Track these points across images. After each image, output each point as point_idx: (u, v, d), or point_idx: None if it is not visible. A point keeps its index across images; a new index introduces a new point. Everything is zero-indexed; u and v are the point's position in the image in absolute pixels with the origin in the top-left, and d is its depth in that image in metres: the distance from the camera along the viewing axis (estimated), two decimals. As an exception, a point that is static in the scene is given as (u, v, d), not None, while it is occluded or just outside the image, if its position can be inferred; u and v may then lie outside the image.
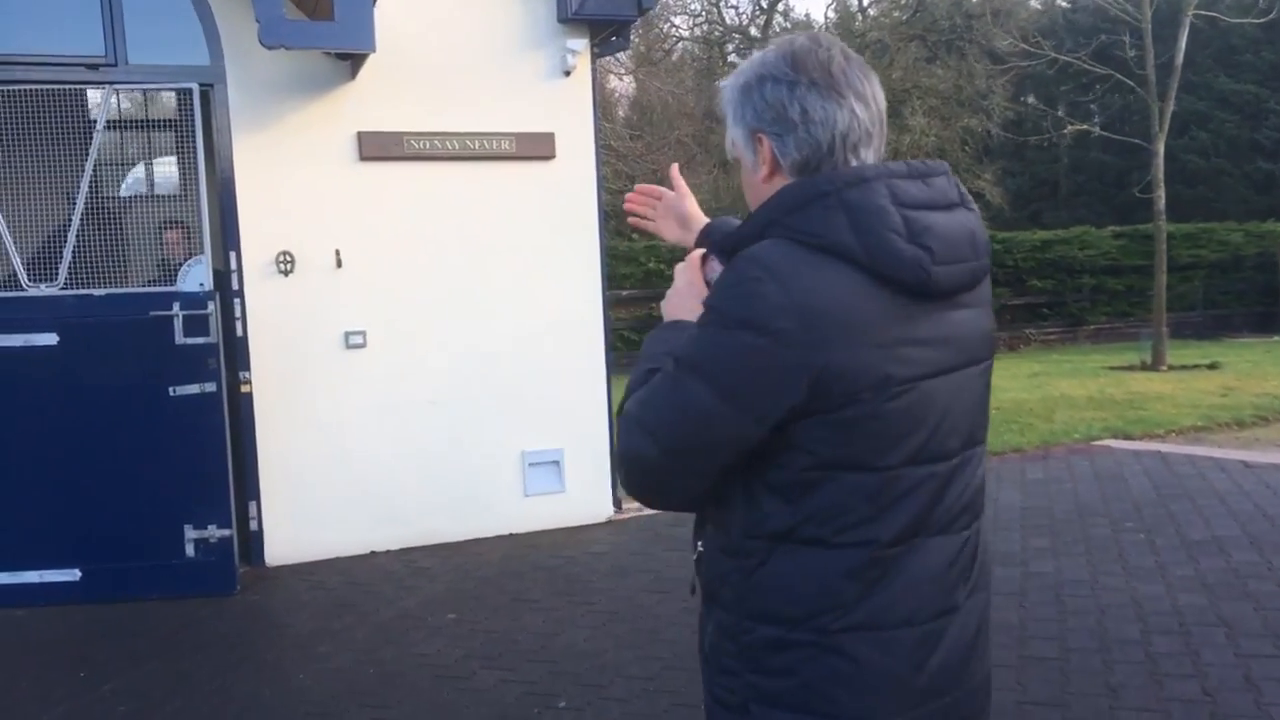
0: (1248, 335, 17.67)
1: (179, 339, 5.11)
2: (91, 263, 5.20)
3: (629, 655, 4.33)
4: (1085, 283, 18.41)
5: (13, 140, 5.15)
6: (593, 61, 6.36)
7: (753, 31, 26.08)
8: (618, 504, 6.66)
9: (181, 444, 5.17)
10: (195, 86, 5.21)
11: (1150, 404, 10.55)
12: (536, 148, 6.19)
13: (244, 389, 5.77)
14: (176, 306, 5.13)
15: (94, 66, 5.50)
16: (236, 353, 5.74)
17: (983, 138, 24.80)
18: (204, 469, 5.19)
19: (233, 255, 5.71)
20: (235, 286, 5.71)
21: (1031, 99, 27.16)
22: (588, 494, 6.50)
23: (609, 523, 6.53)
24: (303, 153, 5.81)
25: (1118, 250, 18.66)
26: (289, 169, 5.79)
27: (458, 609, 5.05)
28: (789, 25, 26.82)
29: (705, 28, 26.52)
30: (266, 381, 5.81)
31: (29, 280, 5.18)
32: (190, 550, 5.15)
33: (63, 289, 5.19)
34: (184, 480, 5.18)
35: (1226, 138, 24.24)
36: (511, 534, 6.34)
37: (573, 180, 6.32)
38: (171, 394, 5.12)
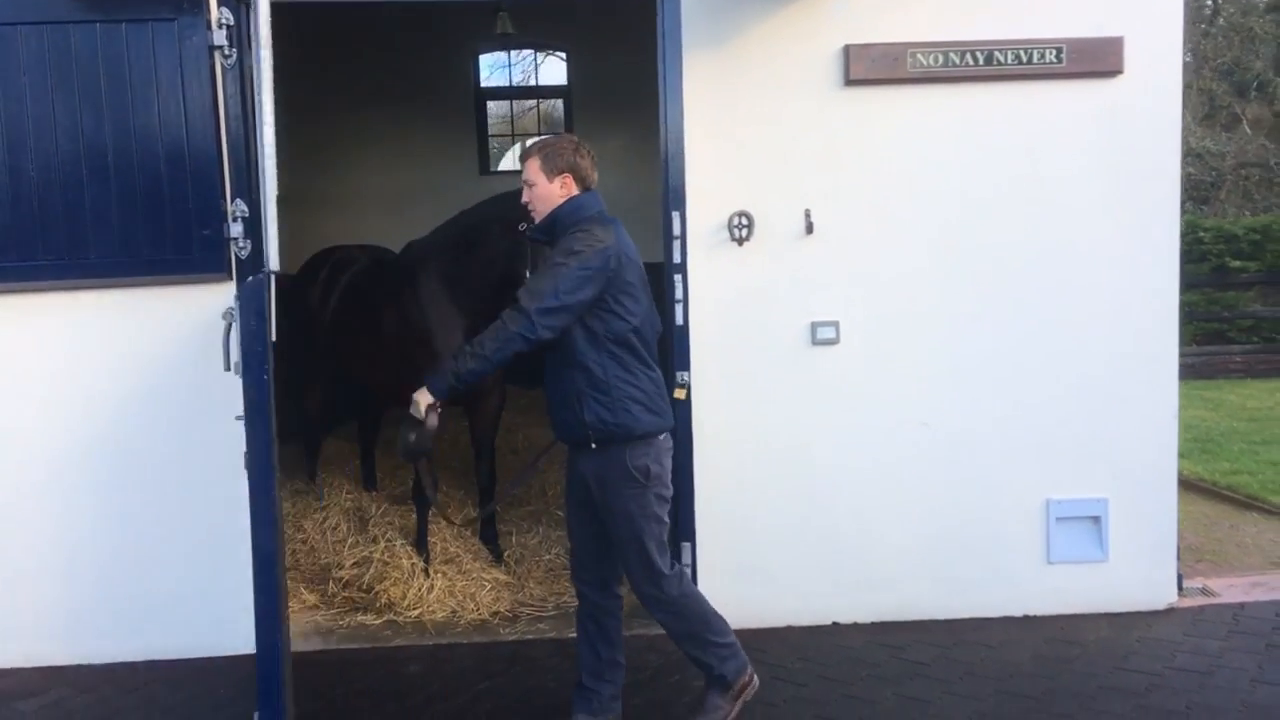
0: None
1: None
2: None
3: None
4: None
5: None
6: (1182, -69, 4.31)
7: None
8: (1178, 583, 4.59)
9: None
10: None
11: None
12: (1095, 60, 4.25)
13: (679, 395, 4.32)
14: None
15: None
16: (674, 347, 4.31)
17: None
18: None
19: (676, 217, 4.26)
20: (677, 259, 4.27)
21: None
22: (1140, 567, 4.48)
23: (1170, 611, 4.47)
24: (769, 77, 4.25)
25: None
26: (750, 100, 4.26)
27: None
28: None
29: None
30: (708, 386, 4.33)
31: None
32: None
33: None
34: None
35: None
36: (1026, 616, 4.46)
37: (1144, 109, 4.31)
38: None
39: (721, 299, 4.29)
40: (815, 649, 4.19)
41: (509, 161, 10.08)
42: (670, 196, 4.27)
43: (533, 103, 10.42)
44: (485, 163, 9.76)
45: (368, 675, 4.05)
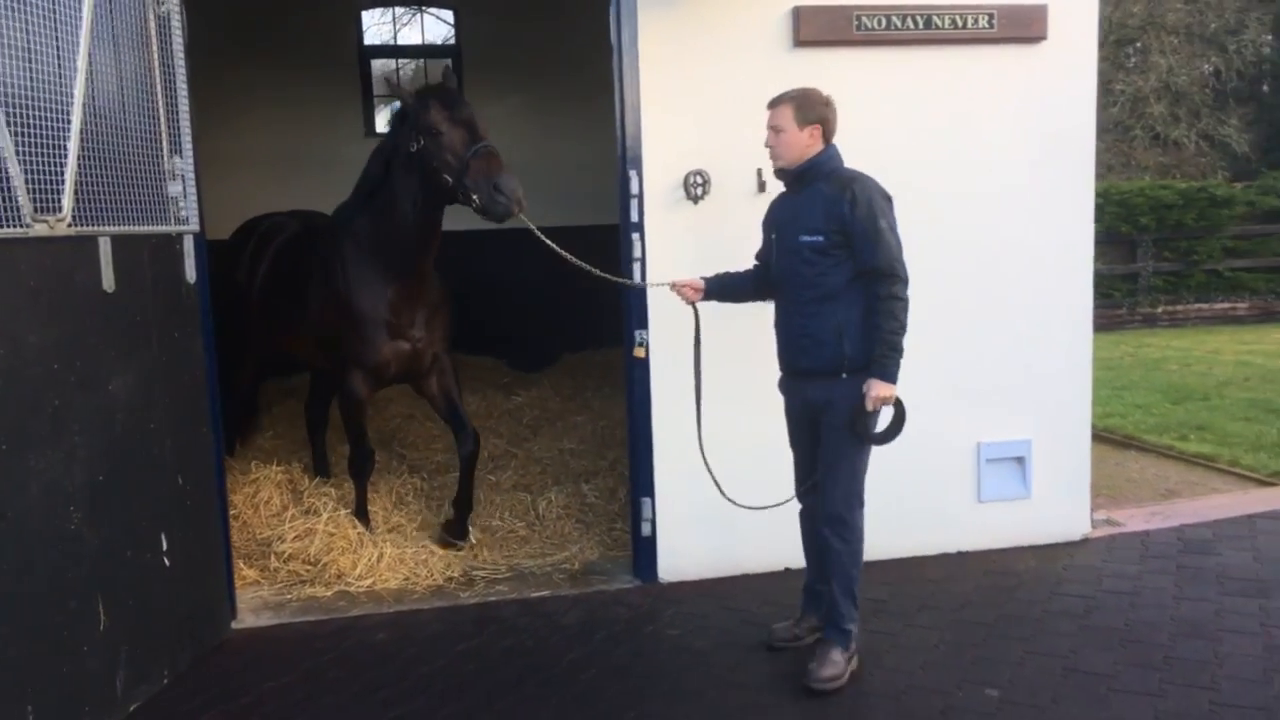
0: None
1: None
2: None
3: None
4: None
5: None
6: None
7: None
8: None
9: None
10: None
11: None
12: (1022, 26, 4.50)
13: (639, 353, 4.39)
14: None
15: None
16: (633, 307, 4.35)
17: (1228, 79, 21.36)
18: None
19: (634, 176, 4.29)
20: (635, 218, 4.30)
21: (1268, 37, 23.42)
22: (1059, 503, 4.84)
23: (1086, 542, 4.86)
24: (723, 38, 4.32)
25: None
26: (704, 61, 4.31)
27: (978, 676, 3.53)
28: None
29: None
30: (666, 343, 4.40)
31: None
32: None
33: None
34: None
35: None
36: (960, 552, 4.76)
37: (1065, 73, 4.60)
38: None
39: (679, 257, 4.34)
40: (776, 593, 4.35)
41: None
42: (627, 156, 4.29)
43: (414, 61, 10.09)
44: (370, 124, 9.42)
45: (335, 646, 3.96)
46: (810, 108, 3.48)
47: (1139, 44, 21.16)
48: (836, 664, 3.49)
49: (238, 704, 3.50)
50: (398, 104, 4.35)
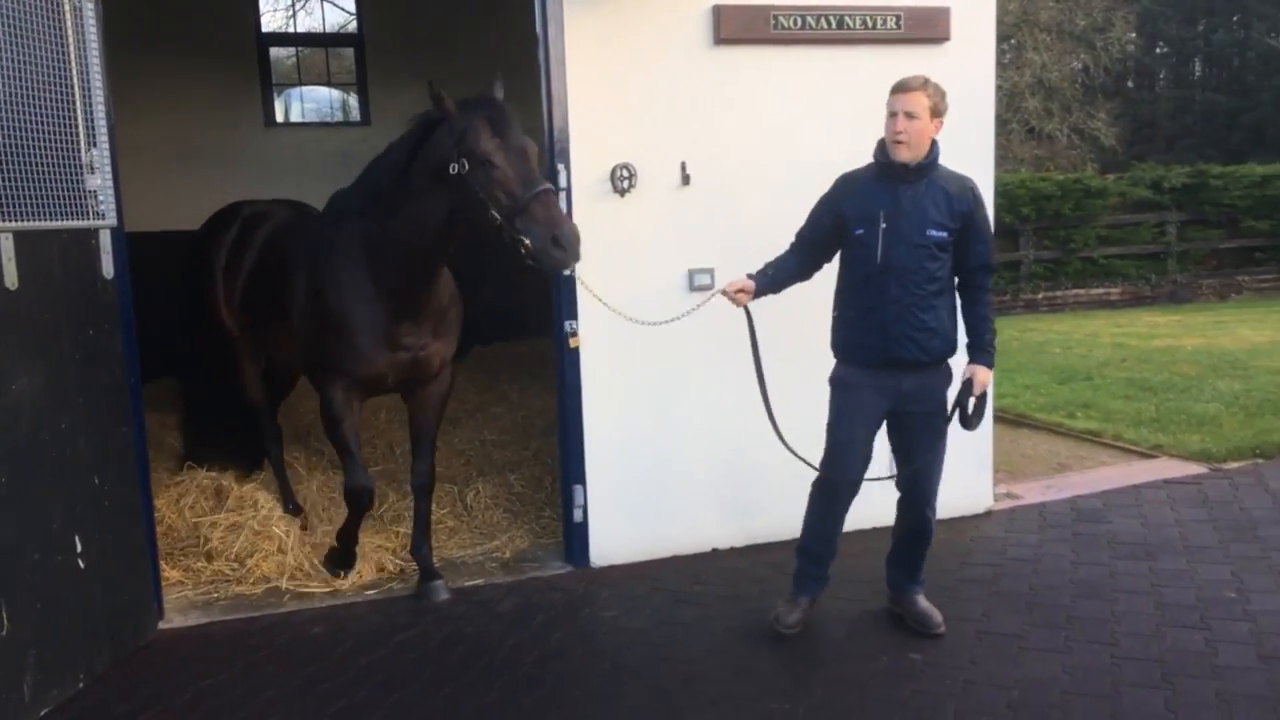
0: None
1: None
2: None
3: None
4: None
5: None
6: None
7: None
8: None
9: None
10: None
11: None
12: (927, 27, 4.74)
13: (572, 343, 4.47)
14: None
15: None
16: (564, 298, 4.43)
17: (1096, 75, 22.70)
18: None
19: (562, 170, 4.36)
20: (563, 210, 4.36)
21: (1133, 35, 25.06)
22: (965, 480, 5.10)
23: (989, 514, 5.17)
24: (647, 36, 4.42)
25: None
26: (629, 58, 4.41)
27: (900, 642, 3.75)
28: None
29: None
30: (596, 333, 4.50)
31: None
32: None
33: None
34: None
35: None
36: (876, 528, 4.97)
37: (966, 73, 4.85)
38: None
39: (606, 249, 4.43)
40: (705, 573, 4.51)
41: (296, 112, 9.58)
42: (555, 150, 4.36)
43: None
44: (270, 114, 9.21)
45: (269, 641, 3.93)
46: (941, 98, 3.42)
47: (1014, 40, 22.10)
48: (930, 605, 3.82)
49: (176, 702, 3.46)
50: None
